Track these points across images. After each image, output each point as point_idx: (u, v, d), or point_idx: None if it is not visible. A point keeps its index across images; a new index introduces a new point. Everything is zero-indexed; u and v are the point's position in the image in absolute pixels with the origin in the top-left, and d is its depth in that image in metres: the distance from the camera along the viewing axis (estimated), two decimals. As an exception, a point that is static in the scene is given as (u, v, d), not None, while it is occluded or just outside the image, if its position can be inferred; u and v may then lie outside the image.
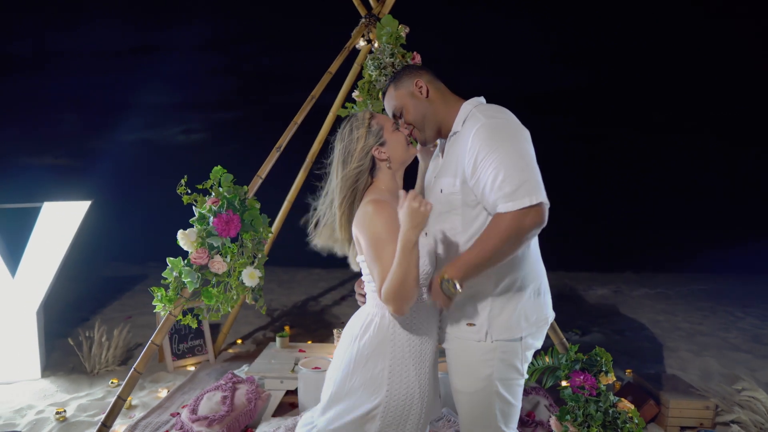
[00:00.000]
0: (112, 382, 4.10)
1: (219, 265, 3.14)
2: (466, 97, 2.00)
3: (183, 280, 3.12)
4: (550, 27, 18.62)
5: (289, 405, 3.70)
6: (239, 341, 5.23)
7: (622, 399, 2.97)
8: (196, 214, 3.17)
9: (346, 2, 3.95)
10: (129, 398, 3.56)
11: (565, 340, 3.34)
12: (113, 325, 4.89)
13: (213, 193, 3.21)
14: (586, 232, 13.82)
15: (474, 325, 1.86)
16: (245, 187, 3.35)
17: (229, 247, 3.17)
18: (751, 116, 16.59)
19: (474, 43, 18.49)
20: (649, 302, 7.26)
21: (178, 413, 3.50)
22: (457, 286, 1.71)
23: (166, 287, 3.17)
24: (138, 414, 3.60)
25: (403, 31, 3.54)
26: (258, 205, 3.34)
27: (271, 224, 3.52)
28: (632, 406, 2.94)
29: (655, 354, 5.03)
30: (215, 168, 3.23)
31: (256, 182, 3.54)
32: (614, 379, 3.00)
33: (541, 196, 1.67)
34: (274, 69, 19.82)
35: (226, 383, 3.48)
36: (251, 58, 20.66)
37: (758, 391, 3.68)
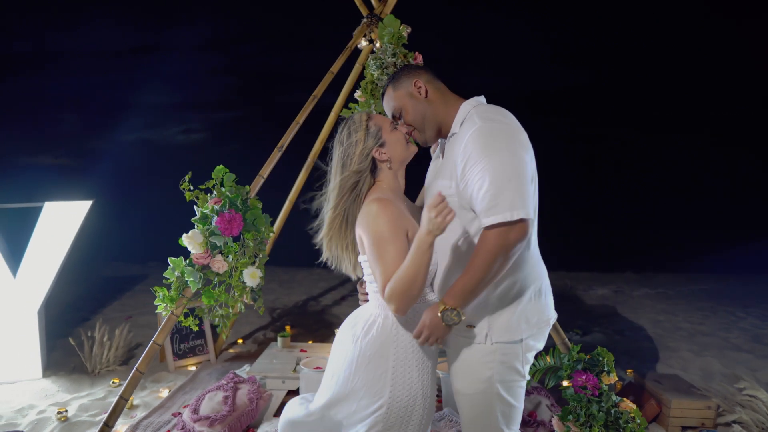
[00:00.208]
0: (113, 382, 4.10)
1: (220, 264, 3.14)
2: (467, 97, 1.98)
3: (185, 279, 3.12)
4: (550, 27, 18.60)
5: (291, 405, 3.70)
6: (240, 341, 5.24)
7: (624, 399, 2.98)
8: (198, 214, 3.16)
9: (348, 2, 3.95)
10: (131, 398, 3.56)
11: (567, 340, 3.34)
12: (114, 325, 4.89)
13: (215, 193, 3.21)
14: (586, 232, 13.81)
15: (473, 327, 1.85)
16: (247, 186, 3.35)
17: (231, 246, 3.17)
18: (751, 116, 16.59)
19: (474, 43, 18.46)
20: (649, 302, 7.26)
21: (180, 413, 3.50)
22: (460, 315, 1.72)
23: (168, 287, 3.17)
24: (139, 414, 3.60)
25: (405, 31, 3.54)
26: (260, 205, 3.34)
27: (272, 224, 3.52)
28: (634, 406, 2.95)
29: (656, 354, 5.03)
30: (217, 167, 3.23)
31: (258, 182, 3.54)
32: (616, 379, 3.01)
33: (522, 211, 1.64)
34: (274, 69, 19.77)
35: (228, 383, 3.48)
36: (251, 58, 20.62)
37: (760, 391, 3.68)
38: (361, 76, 3.81)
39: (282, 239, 4.36)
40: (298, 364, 3.78)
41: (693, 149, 17.67)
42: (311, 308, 6.66)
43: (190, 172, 3.14)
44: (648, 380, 3.79)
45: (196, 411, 3.28)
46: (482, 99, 1.98)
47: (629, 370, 4.33)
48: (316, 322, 5.98)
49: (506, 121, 1.82)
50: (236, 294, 3.23)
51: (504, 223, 1.64)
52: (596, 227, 14.70)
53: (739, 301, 7.35)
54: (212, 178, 3.24)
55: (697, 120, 17.54)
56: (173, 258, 3.16)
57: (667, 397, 3.48)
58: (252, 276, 3.17)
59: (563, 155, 16.50)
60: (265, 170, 3.60)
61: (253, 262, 3.28)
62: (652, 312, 6.67)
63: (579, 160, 18.39)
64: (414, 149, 2.05)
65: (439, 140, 2.08)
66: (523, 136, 1.80)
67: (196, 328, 3.32)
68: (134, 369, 3.13)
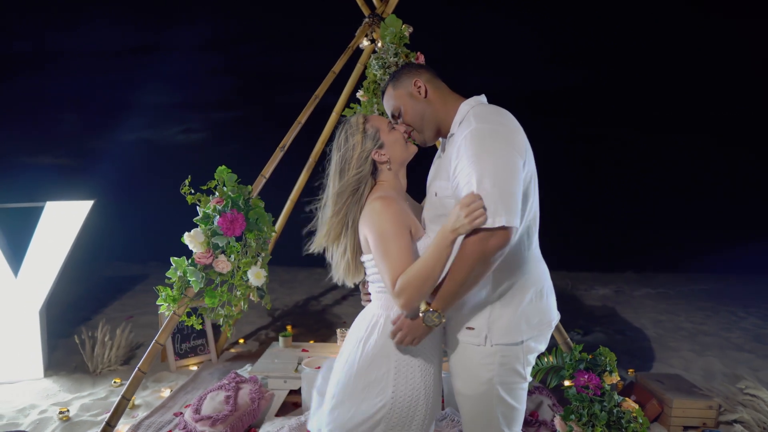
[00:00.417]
0: (114, 382, 4.10)
1: (223, 264, 3.14)
2: (468, 97, 1.95)
3: (187, 279, 3.12)
4: (549, 27, 18.60)
5: (293, 405, 3.70)
6: (241, 341, 5.24)
7: (627, 399, 2.98)
8: (200, 214, 3.16)
9: (349, 2, 3.95)
10: (132, 398, 3.56)
11: (569, 339, 3.34)
12: (114, 325, 4.89)
13: (217, 193, 3.21)
14: (586, 232, 13.83)
15: (473, 329, 1.83)
16: (249, 186, 3.35)
17: (233, 246, 3.17)
18: (751, 116, 16.59)
19: (474, 43, 18.48)
20: (650, 302, 7.26)
21: (181, 413, 3.49)
22: (441, 317, 1.72)
23: (171, 287, 3.17)
24: (141, 414, 3.60)
25: (407, 30, 3.54)
26: (262, 204, 3.34)
27: (274, 224, 3.52)
28: (636, 406, 2.95)
29: (657, 354, 5.03)
30: (219, 168, 3.22)
31: (260, 182, 3.54)
32: (618, 378, 3.01)
33: (503, 218, 1.59)
34: (274, 69, 19.77)
35: (230, 383, 3.48)
36: (251, 58, 20.62)
37: (761, 391, 3.68)
38: (363, 76, 3.82)
39: (283, 239, 4.35)
40: (299, 363, 3.78)
41: (693, 149, 17.68)
42: (312, 308, 6.66)
43: (189, 176, 3.13)
44: (650, 380, 3.79)
45: (197, 411, 3.27)
46: (482, 98, 1.95)
47: (630, 370, 4.34)
48: (317, 322, 5.98)
49: (502, 122, 1.79)
50: (240, 293, 3.23)
51: (484, 229, 1.60)
52: (596, 227, 14.72)
53: (740, 301, 7.36)
54: (213, 179, 3.24)
55: (697, 120, 17.55)
56: (175, 258, 3.15)
57: (669, 397, 3.48)
58: (257, 276, 3.17)
59: (563, 155, 16.51)
60: (267, 170, 3.60)
61: (256, 262, 3.29)
62: (653, 312, 6.67)
63: (579, 160, 18.40)
64: (414, 149, 2.03)
65: (440, 139, 2.06)
66: (519, 139, 1.76)
67: (199, 327, 3.32)
68: (136, 369, 3.13)
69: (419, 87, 1.95)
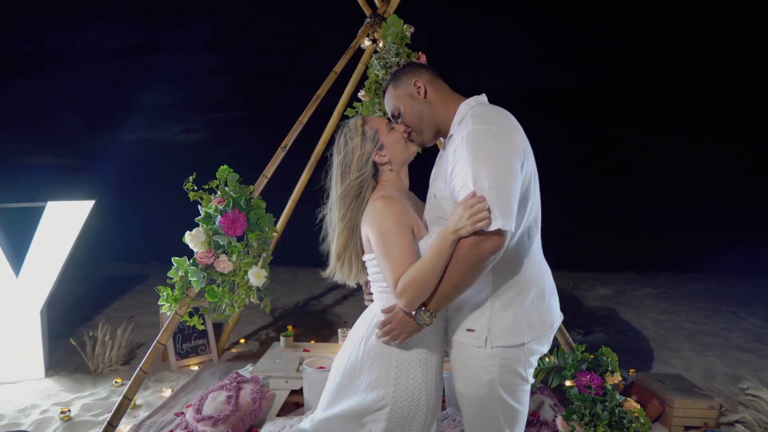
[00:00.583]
0: (116, 382, 4.10)
1: (224, 264, 3.14)
2: (469, 96, 1.94)
3: (189, 279, 3.12)
4: (550, 27, 18.61)
5: (294, 405, 3.70)
6: (242, 341, 5.24)
7: (628, 398, 2.98)
8: (202, 213, 3.16)
9: (350, 2, 3.95)
10: (134, 398, 3.56)
11: (571, 340, 3.34)
12: (115, 325, 4.89)
13: (219, 193, 3.20)
14: (587, 232, 13.83)
15: (473, 330, 1.82)
16: (251, 186, 3.35)
17: (234, 246, 3.17)
18: (751, 116, 16.60)
19: (474, 43, 18.48)
20: (651, 302, 7.26)
21: (183, 413, 3.49)
22: (432, 317, 1.73)
23: (172, 287, 3.16)
24: (142, 413, 3.59)
25: (408, 30, 3.55)
26: (263, 205, 3.34)
27: (275, 224, 3.52)
28: (638, 406, 2.95)
29: (658, 354, 5.03)
30: (221, 167, 3.22)
31: (262, 182, 3.54)
32: (620, 378, 3.01)
33: (498, 222, 1.58)
34: (274, 69, 19.78)
35: (231, 383, 3.48)
36: (251, 58, 20.63)
37: (762, 391, 3.69)
38: (364, 76, 3.81)
39: (284, 239, 4.36)
40: (301, 363, 3.78)
41: (693, 149, 17.69)
42: (313, 308, 6.66)
43: (194, 173, 3.13)
44: (651, 380, 3.79)
45: (199, 411, 3.27)
46: (483, 98, 1.94)
47: (632, 370, 4.34)
48: (318, 322, 5.98)
49: (501, 123, 1.77)
50: (242, 293, 3.23)
51: (478, 232, 1.60)
52: (597, 227, 14.73)
53: (740, 301, 7.36)
54: (215, 178, 3.24)
55: (697, 120, 17.55)
56: (177, 258, 3.15)
57: (670, 397, 3.48)
58: (257, 276, 3.17)
59: (563, 155, 16.52)
60: (269, 170, 3.59)
61: (257, 262, 3.28)
62: (654, 312, 6.67)
63: (579, 160, 18.42)
64: (414, 148, 2.03)
65: (442, 138, 2.06)
66: (518, 139, 1.73)
67: (201, 327, 3.32)
68: (138, 369, 3.12)
69: (419, 87, 1.95)
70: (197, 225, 3.17)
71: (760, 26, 15.97)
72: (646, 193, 17.47)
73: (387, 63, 3.44)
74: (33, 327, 4.16)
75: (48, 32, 18.00)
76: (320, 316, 6.25)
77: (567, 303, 6.96)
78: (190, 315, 3.26)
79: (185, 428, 3.20)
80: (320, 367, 3.47)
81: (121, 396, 3.09)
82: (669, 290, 8.14)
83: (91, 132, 18.41)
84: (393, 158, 1.96)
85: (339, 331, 4.14)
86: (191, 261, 3.13)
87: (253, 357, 4.70)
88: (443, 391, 3.47)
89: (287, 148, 3.71)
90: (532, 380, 1.90)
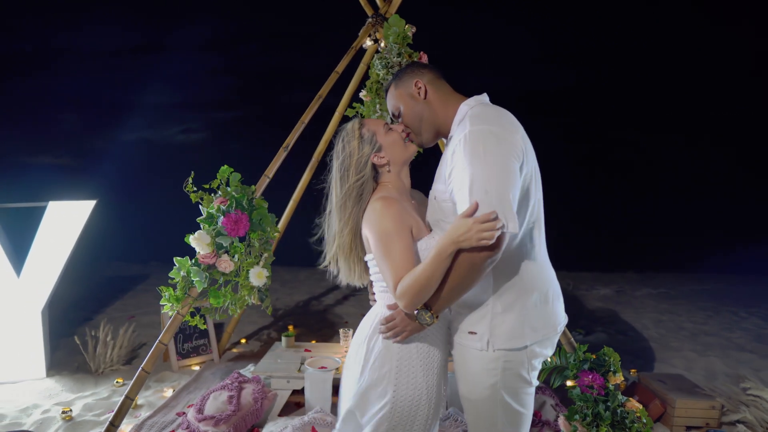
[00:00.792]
0: (117, 382, 4.10)
1: (226, 264, 3.14)
2: (471, 96, 1.93)
3: (191, 279, 3.12)
4: (550, 27, 18.60)
5: (295, 405, 3.70)
6: (243, 341, 5.24)
7: (630, 398, 2.98)
8: (204, 214, 3.16)
9: (352, 2, 3.95)
10: (135, 398, 3.56)
11: (573, 339, 3.34)
12: (116, 325, 4.90)
13: (220, 193, 3.20)
14: (587, 232, 13.84)
15: (475, 333, 1.80)
16: (253, 186, 3.35)
17: (237, 246, 3.17)
18: (751, 116, 16.60)
19: (474, 43, 18.48)
20: (652, 302, 7.27)
21: (184, 413, 3.49)
22: (434, 317, 1.74)
23: (174, 287, 3.16)
24: (144, 413, 3.60)
25: (410, 30, 3.54)
26: (265, 205, 3.34)
27: (276, 224, 3.52)
28: (640, 406, 2.95)
29: (659, 354, 5.03)
30: (223, 168, 3.22)
31: (264, 182, 3.54)
32: (622, 378, 3.01)
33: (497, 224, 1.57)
34: (274, 69, 19.78)
35: (233, 383, 3.48)
36: (251, 58, 20.62)
37: (764, 391, 3.69)
38: (366, 76, 3.81)
39: (284, 238, 4.35)
40: (302, 363, 3.78)
41: (693, 149, 17.69)
42: (314, 308, 6.66)
43: (192, 173, 3.12)
44: (652, 380, 3.79)
45: (200, 410, 3.27)
46: (484, 98, 1.93)
47: (633, 370, 4.34)
48: (318, 322, 5.98)
49: (499, 123, 1.74)
50: (244, 293, 3.23)
51: None
52: (597, 227, 14.73)
53: (741, 301, 7.37)
54: (216, 178, 3.23)
55: (697, 120, 17.55)
56: (179, 258, 3.15)
57: (672, 397, 3.48)
58: (258, 276, 3.17)
59: (563, 155, 16.51)
60: (271, 170, 3.59)
61: (259, 262, 3.28)
62: (655, 312, 6.68)
63: (579, 160, 18.41)
64: (414, 148, 2.02)
65: (444, 139, 2.05)
66: (516, 140, 1.71)
67: (203, 327, 3.32)
68: (140, 369, 3.12)
69: (420, 88, 1.94)
70: (198, 225, 3.17)
71: (760, 26, 15.97)
72: (646, 193, 17.47)
73: (388, 63, 3.44)
74: (34, 327, 4.16)
75: (48, 32, 18.00)
76: (321, 316, 6.25)
77: (568, 303, 6.90)
78: (192, 315, 3.26)
79: (187, 428, 3.20)
80: (322, 367, 3.47)
81: (123, 396, 3.09)
82: (669, 290, 8.14)
83: (91, 132, 18.41)
84: (392, 159, 1.96)
85: (340, 331, 4.14)
86: (193, 261, 3.13)
87: (254, 357, 4.70)
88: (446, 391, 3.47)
89: (289, 147, 3.70)
90: (536, 383, 1.87)
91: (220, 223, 3.11)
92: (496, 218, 1.54)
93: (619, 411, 2.84)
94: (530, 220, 1.79)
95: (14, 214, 4.24)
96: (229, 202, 3.14)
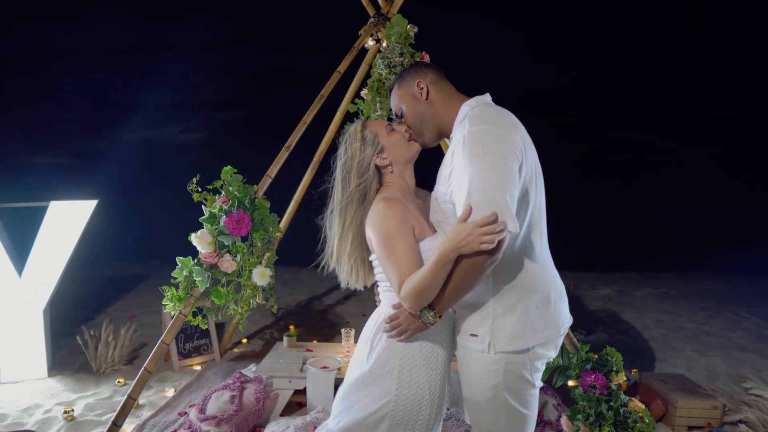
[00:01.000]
0: (118, 382, 4.10)
1: (228, 264, 3.14)
2: (473, 96, 1.92)
3: (193, 279, 3.12)
4: (550, 27, 18.62)
5: (297, 404, 3.70)
6: (244, 340, 5.23)
7: (633, 398, 2.98)
8: (206, 213, 3.16)
9: (354, 2, 3.95)
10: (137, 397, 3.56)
11: (575, 339, 3.34)
12: (117, 325, 4.90)
13: (223, 193, 3.20)
14: (587, 232, 13.84)
15: (476, 335, 1.80)
16: (255, 186, 3.35)
17: (239, 246, 3.17)
18: (751, 116, 16.62)
19: (473, 43, 18.49)
20: (652, 302, 7.27)
21: (186, 412, 3.49)
22: (436, 317, 1.74)
23: (176, 286, 3.16)
24: (146, 413, 3.59)
25: (412, 30, 3.55)
26: (268, 205, 3.34)
27: (278, 224, 3.52)
28: (643, 406, 2.95)
29: (660, 354, 5.03)
30: (225, 168, 3.22)
31: (266, 182, 3.54)
32: (625, 378, 3.01)
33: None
34: (274, 69, 19.80)
35: (234, 382, 3.48)
36: (251, 58, 20.64)
37: (766, 390, 3.69)
38: (368, 76, 3.81)
39: (285, 238, 4.35)
40: (304, 363, 3.78)
41: (693, 149, 17.71)
42: (315, 308, 6.66)
43: (198, 175, 3.13)
44: (654, 380, 3.79)
45: (202, 410, 3.27)
46: (486, 98, 1.92)
47: (634, 370, 4.34)
48: (319, 322, 5.97)
49: (498, 123, 1.74)
50: (248, 293, 3.23)
51: None
52: (597, 227, 14.74)
53: (742, 301, 7.37)
54: (216, 178, 3.24)
55: (697, 120, 17.57)
56: (181, 257, 3.15)
57: (674, 397, 3.48)
58: (261, 276, 3.17)
59: (563, 155, 16.53)
60: (273, 170, 3.59)
61: (261, 261, 3.28)
62: (656, 312, 6.68)
63: (579, 160, 18.43)
64: (417, 147, 2.02)
65: (446, 139, 2.05)
66: (515, 140, 1.70)
67: (205, 326, 3.32)
68: (142, 368, 3.12)
69: (422, 88, 1.94)
70: (199, 224, 3.17)
71: (760, 26, 15.98)
72: (646, 193, 17.50)
73: (391, 63, 3.44)
74: (36, 326, 4.16)
75: (48, 32, 18.01)
76: (322, 316, 6.24)
77: (569, 303, 6.95)
78: (194, 315, 3.27)
79: (189, 428, 3.20)
80: (324, 367, 3.47)
81: (126, 396, 3.09)
82: (670, 290, 8.14)
83: (91, 132, 18.43)
84: (395, 159, 1.97)
85: (342, 331, 4.14)
86: (196, 261, 3.13)
87: (255, 357, 4.70)
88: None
89: (291, 147, 3.70)
90: (539, 384, 1.87)
91: (222, 223, 3.11)
92: (495, 221, 1.52)
93: (621, 411, 2.84)
94: (531, 221, 1.79)
95: (16, 213, 4.24)
96: (231, 202, 3.14)
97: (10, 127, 16.17)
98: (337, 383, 3.35)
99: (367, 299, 6.82)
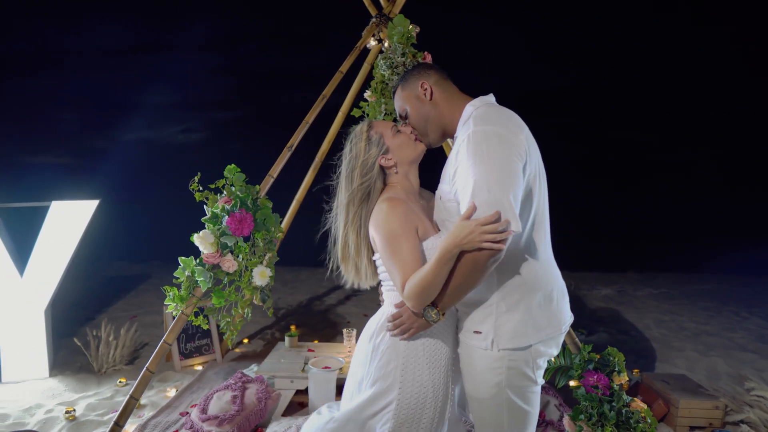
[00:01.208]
0: (120, 381, 4.10)
1: (230, 263, 3.14)
2: (478, 97, 1.94)
3: (195, 279, 3.12)
4: (550, 27, 18.63)
5: (299, 404, 3.70)
6: (246, 340, 5.23)
7: (635, 398, 2.98)
8: (208, 213, 3.16)
9: (355, 2, 3.95)
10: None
11: (577, 340, 3.34)
12: (118, 325, 4.89)
13: (225, 192, 3.20)
14: (587, 232, 13.84)
15: (480, 333, 1.81)
16: (257, 186, 3.35)
17: (241, 246, 3.17)
18: (751, 116, 16.62)
19: (473, 43, 18.50)
20: (653, 302, 7.26)
21: (188, 412, 3.49)
22: (440, 314, 1.76)
23: (179, 286, 3.16)
24: (147, 413, 3.59)
25: (414, 30, 3.55)
26: (270, 204, 3.34)
27: (280, 224, 3.52)
28: (645, 406, 2.95)
29: (661, 354, 5.03)
30: (228, 167, 3.22)
31: (268, 181, 3.54)
32: (627, 378, 3.01)
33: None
34: (274, 69, 19.81)
35: (236, 382, 3.48)
36: (251, 58, 20.64)
37: (767, 391, 3.69)
38: (370, 76, 3.81)
39: (285, 238, 4.34)
40: (306, 363, 3.78)
41: (693, 149, 17.72)
42: (315, 308, 6.66)
43: (199, 173, 3.13)
44: (656, 380, 3.79)
45: (204, 410, 3.27)
46: (490, 98, 1.94)
47: (636, 370, 4.34)
48: (320, 322, 5.97)
49: (502, 123, 1.76)
50: (246, 293, 3.22)
51: None
52: (597, 227, 14.74)
53: (742, 302, 7.36)
54: (217, 178, 3.24)
55: (697, 120, 17.57)
56: (183, 257, 3.15)
57: (675, 397, 3.48)
58: (261, 275, 3.17)
59: (563, 155, 16.53)
60: (275, 170, 3.59)
61: (262, 261, 3.28)
62: (656, 312, 6.68)
63: (579, 160, 18.43)
64: (422, 147, 2.04)
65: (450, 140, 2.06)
66: (520, 140, 1.72)
67: (206, 326, 3.32)
68: (144, 368, 3.12)
69: (425, 89, 1.96)
70: (199, 224, 3.17)
71: (760, 27, 15.99)
72: (646, 193, 17.51)
73: (393, 63, 3.44)
74: (37, 326, 4.15)
75: (48, 32, 18.01)
76: (323, 316, 6.24)
77: (570, 303, 6.95)
78: (195, 315, 3.27)
79: (190, 428, 3.20)
80: (325, 367, 3.47)
81: (128, 396, 3.09)
82: (671, 290, 8.14)
83: (91, 132, 18.44)
84: (399, 160, 1.98)
85: (344, 331, 4.14)
86: (198, 261, 3.13)
87: (257, 357, 4.70)
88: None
89: (293, 148, 3.70)
90: (541, 381, 1.89)
91: (224, 223, 3.11)
92: (498, 220, 1.55)
93: (624, 411, 2.85)
94: (534, 220, 1.80)
95: (17, 213, 4.24)
96: (233, 202, 3.14)
97: (10, 127, 16.18)
98: (339, 383, 3.34)
99: (368, 299, 6.83)
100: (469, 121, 1.78)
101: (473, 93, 1.97)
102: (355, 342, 4.15)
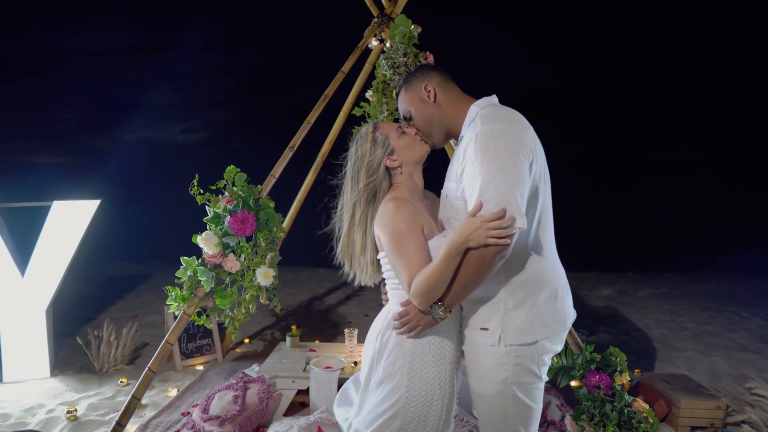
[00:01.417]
0: (121, 381, 4.10)
1: (232, 263, 3.14)
2: (480, 98, 1.96)
3: (198, 279, 3.12)
4: (550, 27, 18.61)
5: (300, 404, 3.70)
6: (246, 340, 5.23)
7: (637, 398, 2.98)
8: (210, 214, 3.16)
9: (357, 2, 3.95)
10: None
11: (579, 340, 3.34)
12: (119, 324, 4.89)
13: (227, 193, 3.20)
14: (588, 232, 13.83)
15: (487, 329, 1.84)
16: (259, 186, 3.35)
17: (243, 246, 3.17)
18: (751, 117, 16.61)
19: (473, 43, 18.48)
20: (654, 302, 7.26)
21: (189, 412, 3.49)
22: (446, 312, 1.77)
23: (180, 286, 3.16)
24: (148, 413, 3.59)
25: (416, 30, 3.55)
26: (272, 204, 3.34)
27: (281, 224, 3.52)
28: (647, 406, 2.95)
29: (662, 354, 5.03)
30: (229, 167, 3.23)
31: (270, 181, 3.54)
32: (629, 378, 3.01)
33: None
34: (274, 69, 19.78)
35: (238, 382, 3.48)
36: (251, 58, 20.62)
37: (769, 391, 3.69)
38: (371, 76, 3.82)
39: (286, 238, 4.34)
40: (307, 363, 3.78)
41: (693, 149, 17.70)
42: (316, 308, 6.65)
43: (197, 176, 3.13)
44: (656, 380, 3.79)
45: (206, 410, 3.27)
46: (494, 99, 1.96)
47: (637, 370, 4.34)
48: (321, 322, 5.97)
49: (509, 123, 1.79)
50: (249, 295, 3.23)
51: None
52: (597, 227, 14.73)
53: (743, 302, 7.36)
54: (217, 178, 3.24)
55: (697, 120, 17.56)
56: (186, 257, 3.15)
57: (677, 397, 3.48)
58: (265, 275, 3.17)
59: (563, 155, 16.50)
60: (277, 170, 3.59)
61: (265, 261, 3.28)
62: (657, 312, 6.67)
63: (579, 160, 18.41)
64: (426, 148, 2.06)
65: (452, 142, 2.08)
66: (526, 139, 1.75)
67: (210, 326, 3.32)
68: (146, 368, 3.12)
69: (429, 91, 1.98)
70: (201, 223, 3.17)
71: (760, 27, 15.99)
72: (646, 193, 17.49)
73: (394, 63, 3.44)
74: (38, 326, 4.16)
75: (48, 32, 17.98)
76: (324, 316, 6.24)
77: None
78: (198, 314, 3.27)
79: (192, 428, 3.20)
80: (327, 367, 3.47)
81: (130, 396, 3.09)
82: (671, 290, 8.14)
83: (92, 132, 18.42)
84: (404, 161, 2.00)
85: (345, 331, 4.14)
86: (200, 261, 3.13)
87: (258, 357, 4.70)
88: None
89: (295, 148, 3.70)
90: (545, 378, 1.92)
91: (226, 223, 3.11)
92: (503, 216, 1.57)
93: (626, 411, 2.85)
94: (540, 218, 1.83)
95: (18, 213, 4.24)
96: (235, 202, 3.14)
97: (11, 127, 16.17)
98: (341, 383, 3.35)
99: (368, 299, 6.83)
100: (476, 121, 1.81)
101: (474, 93, 1.99)
102: (356, 342, 4.16)
